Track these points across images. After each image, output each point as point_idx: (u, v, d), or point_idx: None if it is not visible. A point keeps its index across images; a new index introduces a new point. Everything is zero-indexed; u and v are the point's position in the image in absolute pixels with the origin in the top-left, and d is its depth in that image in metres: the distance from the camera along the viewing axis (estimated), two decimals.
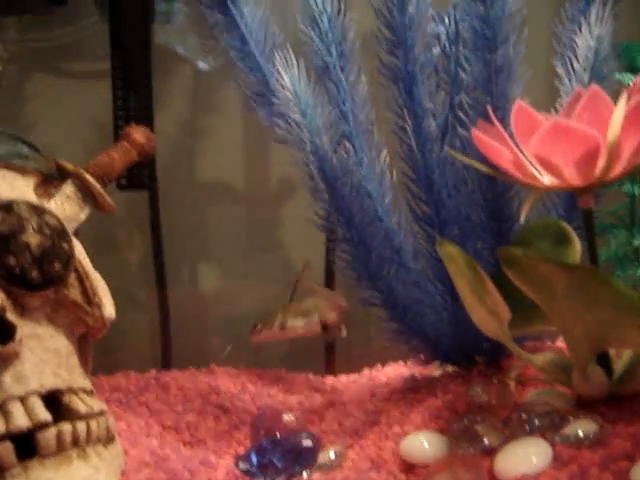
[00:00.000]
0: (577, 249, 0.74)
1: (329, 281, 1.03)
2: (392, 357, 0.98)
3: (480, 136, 0.68)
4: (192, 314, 1.07)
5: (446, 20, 0.78)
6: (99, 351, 0.70)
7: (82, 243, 0.67)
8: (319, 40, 0.81)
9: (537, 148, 0.64)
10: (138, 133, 0.73)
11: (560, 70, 0.80)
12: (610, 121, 0.62)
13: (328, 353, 1.04)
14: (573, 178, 0.65)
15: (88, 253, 0.67)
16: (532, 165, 0.67)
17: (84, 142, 1.01)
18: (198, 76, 1.06)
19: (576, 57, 0.77)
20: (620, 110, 0.62)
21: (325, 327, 0.91)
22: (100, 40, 0.95)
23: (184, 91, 1.06)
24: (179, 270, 1.08)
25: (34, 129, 1.01)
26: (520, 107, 0.65)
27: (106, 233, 1.05)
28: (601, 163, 0.64)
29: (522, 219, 0.68)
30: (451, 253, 0.69)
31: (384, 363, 0.99)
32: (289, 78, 0.75)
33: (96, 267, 0.67)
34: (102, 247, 1.05)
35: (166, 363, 1.04)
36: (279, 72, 0.76)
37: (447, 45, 0.78)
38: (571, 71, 0.78)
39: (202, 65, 1.04)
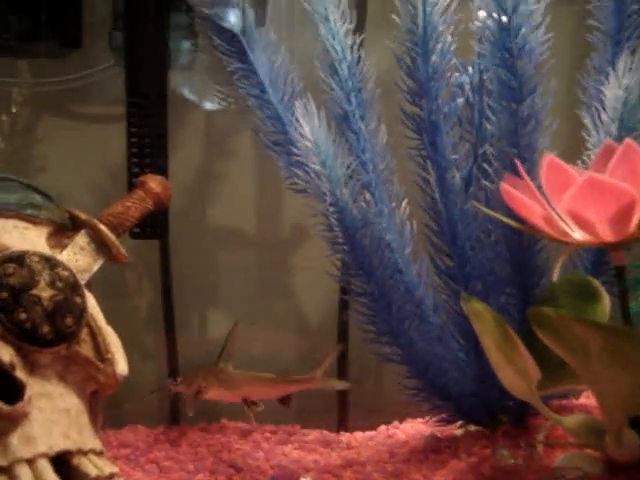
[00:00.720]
0: (606, 305, 0.71)
1: (342, 331, 1.00)
2: (410, 414, 0.94)
3: (509, 190, 0.66)
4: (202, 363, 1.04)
5: (470, 70, 0.77)
6: (106, 403, 0.67)
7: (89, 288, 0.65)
8: (338, 88, 0.80)
9: (570, 203, 0.62)
10: (154, 182, 0.71)
11: (587, 121, 0.78)
12: None
13: (341, 408, 1.01)
14: (606, 234, 0.63)
15: (96, 299, 0.65)
16: (563, 220, 0.65)
17: (97, 188, 1.00)
18: (211, 121, 1.04)
19: (604, 108, 0.76)
20: None
21: (247, 404, 0.88)
22: (115, 85, 0.93)
23: (197, 137, 1.04)
24: (189, 318, 1.05)
25: (46, 174, 0.99)
26: (551, 161, 0.63)
27: (115, 279, 1.03)
28: (636, 219, 0.62)
29: (555, 277, 0.65)
30: (478, 310, 0.66)
31: (401, 420, 0.96)
32: (309, 128, 0.73)
33: (104, 313, 0.64)
34: (110, 293, 1.02)
35: (175, 416, 1.00)
36: (299, 121, 0.74)
37: (471, 95, 0.77)
38: (598, 122, 0.76)
39: (209, 105, 1.02)
